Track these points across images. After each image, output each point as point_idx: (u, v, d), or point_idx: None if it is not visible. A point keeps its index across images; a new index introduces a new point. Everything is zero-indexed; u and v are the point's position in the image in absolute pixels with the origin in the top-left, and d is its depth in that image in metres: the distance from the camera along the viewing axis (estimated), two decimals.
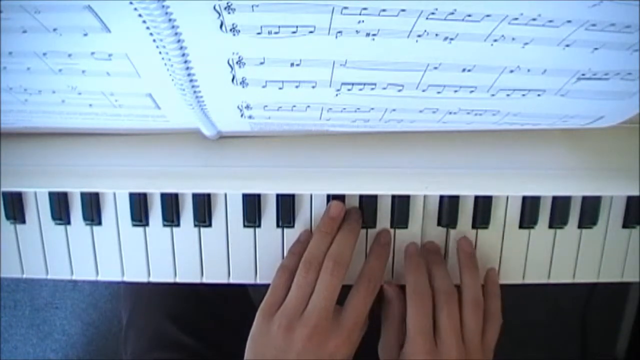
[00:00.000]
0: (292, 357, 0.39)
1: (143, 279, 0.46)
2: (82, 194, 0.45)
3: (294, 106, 0.32)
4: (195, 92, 0.30)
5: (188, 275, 0.46)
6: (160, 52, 0.26)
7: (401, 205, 0.44)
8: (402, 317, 0.42)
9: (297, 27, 0.25)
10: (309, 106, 0.32)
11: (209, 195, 0.45)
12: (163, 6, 0.23)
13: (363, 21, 0.24)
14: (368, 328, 0.43)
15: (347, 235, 0.42)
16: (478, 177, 0.40)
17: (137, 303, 0.60)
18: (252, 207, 0.45)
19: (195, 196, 0.45)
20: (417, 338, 0.40)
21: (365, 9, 0.24)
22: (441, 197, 0.45)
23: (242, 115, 0.34)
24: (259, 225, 0.45)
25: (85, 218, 0.45)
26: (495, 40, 0.26)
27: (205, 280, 0.46)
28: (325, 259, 0.41)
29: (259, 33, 0.25)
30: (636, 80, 0.29)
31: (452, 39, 0.26)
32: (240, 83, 0.29)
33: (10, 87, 0.31)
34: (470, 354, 0.41)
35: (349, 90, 0.30)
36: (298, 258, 0.43)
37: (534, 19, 0.25)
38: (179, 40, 0.25)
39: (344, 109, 0.32)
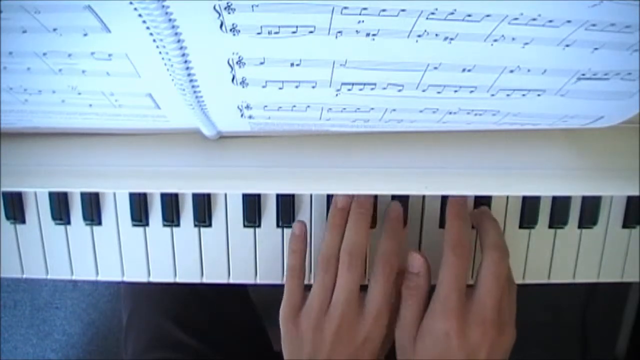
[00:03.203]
0: (326, 353, 0.39)
1: (143, 279, 0.46)
2: (82, 194, 0.45)
3: (294, 106, 0.32)
4: (195, 92, 0.30)
5: (188, 275, 0.46)
6: (160, 52, 0.26)
7: (401, 205, 0.44)
8: (427, 291, 0.40)
9: (297, 27, 0.25)
10: (309, 106, 0.32)
11: (209, 195, 0.45)
12: (163, 6, 0.23)
13: (363, 21, 0.24)
14: None
15: (357, 224, 0.41)
16: (478, 177, 0.40)
17: (137, 303, 0.60)
18: (252, 207, 0.45)
19: (195, 196, 0.45)
20: (451, 295, 0.37)
21: (365, 9, 0.24)
22: (441, 197, 0.45)
23: (242, 115, 0.34)
24: (259, 225, 0.45)
25: (85, 218, 0.45)
26: (495, 40, 0.26)
27: (205, 280, 0.46)
28: (341, 252, 0.40)
29: (259, 33, 0.25)
30: (636, 80, 0.29)
31: (452, 39, 0.26)
32: (240, 83, 0.29)
33: (10, 87, 0.31)
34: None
35: (349, 90, 0.30)
36: (301, 255, 0.42)
37: (534, 19, 0.25)
38: (179, 40, 0.25)
39: (344, 109, 0.32)
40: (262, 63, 0.27)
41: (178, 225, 0.45)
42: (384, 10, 0.24)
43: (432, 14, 0.24)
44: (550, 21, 0.25)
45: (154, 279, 0.46)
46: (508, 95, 0.30)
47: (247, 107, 0.32)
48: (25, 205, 0.46)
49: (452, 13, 0.24)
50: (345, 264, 0.40)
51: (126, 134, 0.41)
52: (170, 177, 0.40)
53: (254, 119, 0.34)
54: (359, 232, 0.41)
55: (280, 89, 0.30)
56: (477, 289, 0.38)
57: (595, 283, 0.46)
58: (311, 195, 0.45)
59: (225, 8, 0.23)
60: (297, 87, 0.29)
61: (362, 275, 0.40)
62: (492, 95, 0.30)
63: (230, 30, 0.25)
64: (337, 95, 0.30)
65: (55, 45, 0.26)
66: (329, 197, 0.45)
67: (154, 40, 0.25)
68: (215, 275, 0.46)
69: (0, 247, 0.46)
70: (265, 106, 0.32)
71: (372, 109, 0.32)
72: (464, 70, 0.28)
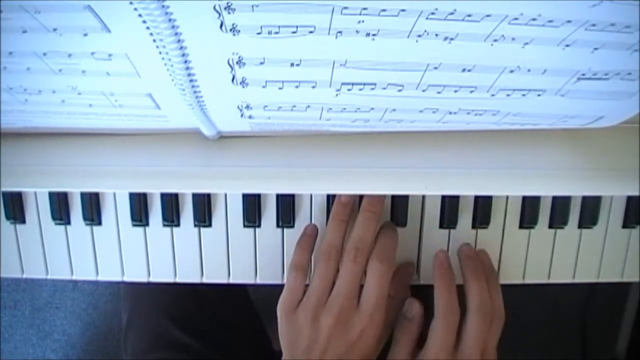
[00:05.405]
0: (322, 344, 0.40)
1: (143, 279, 0.46)
2: (82, 194, 0.45)
3: (294, 106, 0.32)
4: (195, 92, 0.30)
5: (188, 275, 0.46)
6: (160, 52, 0.26)
7: (401, 205, 0.44)
8: (419, 334, 0.42)
9: (297, 27, 0.25)
10: (309, 106, 0.32)
11: (209, 195, 0.45)
12: (163, 6, 0.23)
13: (363, 21, 0.24)
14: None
15: (367, 222, 0.42)
16: (478, 177, 0.40)
17: (137, 303, 0.60)
18: (252, 207, 0.45)
19: (195, 196, 0.45)
20: (439, 353, 0.40)
21: (365, 9, 0.24)
22: (441, 197, 0.45)
23: (242, 115, 0.34)
24: (259, 225, 0.45)
25: (85, 218, 0.45)
26: (495, 40, 0.26)
27: (205, 280, 0.46)
28: (347, 245, 0.41)
29: (259, 33, 0.25)
30: (636, 80, 0.29)
31: (452, 39, 0.26)
32: (240, 83, 0.29)
33: (10, 87, 0.31)
34: None
35: (349, 90, 0.30)
36: (308, 253, 0.43)
37: (534, 19, 0.25)
38: (179, 40, 0.25)
39: (344, 109, 0.32)
40: (262, 63, 0.27)
41: (178, 225, 0.45)
42: (384, 10, 0.24)
43: (432, 14, 0.24)
44: (550, 21, 0.25)
45: (154, 279, 0.46)
46: (508, 95, 0.30)
47: (247, 107, 0.32)
48: (25, 205, 0.46)
49: (452, 13, 0.24)
50: (351, 256, 0.40)
51: (126, 134, 0.41)
52: (170, 177, 0.40)
53: (254, 119, 0.34)
54: (368, 229, 0.41)
55: (280, 89, 0.30)
56: (461, 349, 0.40)
57: (595, 283, 0.46)
58: (311, 195, 0.45)
59: (225, 8, 0.23)
60: (297, 87, 0.29)
61: (363, 271, 0.41)
62: (492, 95, 0.30)
63: (230, 30, 0.25)
64: (337, 95, 0.30)
65: (55, 45, 0.26)
66: (329, 197, 0.45)
67: (154, 40, 0.25)
68: (215, 275, 0.46)
69: (0, 247, 0.46)
70: (265, 106, 0.32)
71: (372, 109, 0.32)
72: (464, 70, 0.28)
